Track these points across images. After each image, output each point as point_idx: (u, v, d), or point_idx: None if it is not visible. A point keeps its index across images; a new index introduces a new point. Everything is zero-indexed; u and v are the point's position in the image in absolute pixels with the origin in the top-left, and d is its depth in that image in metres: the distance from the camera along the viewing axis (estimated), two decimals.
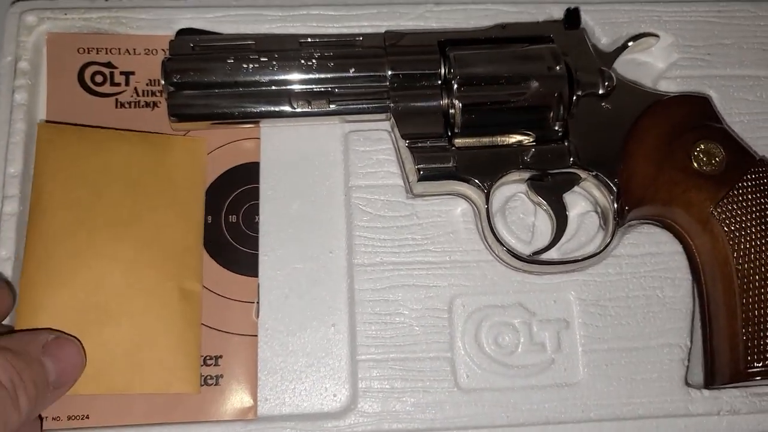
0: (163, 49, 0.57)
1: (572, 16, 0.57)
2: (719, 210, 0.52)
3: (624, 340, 0.53)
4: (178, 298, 0.52)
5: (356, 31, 0.58)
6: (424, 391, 0.51)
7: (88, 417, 0.50)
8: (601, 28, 0.60)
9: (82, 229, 0.52)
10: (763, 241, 0.51)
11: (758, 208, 0.52)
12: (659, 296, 0.54)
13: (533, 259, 0.53)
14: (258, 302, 0.53)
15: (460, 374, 0.52)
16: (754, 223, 0.51)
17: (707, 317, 0.53)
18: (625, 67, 0.58)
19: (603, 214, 0.55)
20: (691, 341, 0.54)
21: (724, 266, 0.52)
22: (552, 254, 0.54)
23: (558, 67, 0.53)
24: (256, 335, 0.52)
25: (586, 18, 0.59)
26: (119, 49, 0.57)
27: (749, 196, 0.52)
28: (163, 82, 0.52)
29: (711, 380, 0.52)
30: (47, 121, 0.55)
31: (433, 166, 0.52)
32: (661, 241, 0.55)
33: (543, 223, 0.55)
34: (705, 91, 0.59)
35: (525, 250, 0.54)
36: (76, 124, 0.55)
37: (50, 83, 0.56)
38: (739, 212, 0.52)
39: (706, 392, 0.52)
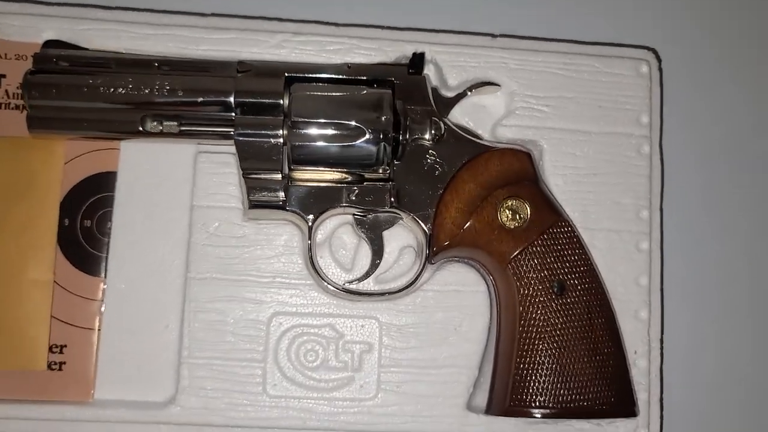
0: (31, 56, 0.61)
1: (416, 62, 0.61)
2: (515, 261, 0.58)
3: (418, 365, 0.61)
4: (30, 287, 0.60)
5: (215, 55, 0.63)
6: (237, 392, 0.60)
7: None
8: (450, 71, 0.64)
9: None
10: (545, 294, 0.58)
11: (546, 264, 0.58)
12: (457, 329, 0.62)
13: (346, 288, 0.60)
14: (102, 300, 0.61)
15: (269, 382, 0.60)
16: (539, 278, 0.58)
17: (496, 353, 0.60)
18: (468, 108, 0.63)
19: (419, 251, 0.62)
20: (480, 372, 0.62)
21: (512, 311, 0.59)
22: (369, 284, 0.61)
23: (386, 115, 0.58)
24: (98, 329, 0.60)
25: (437, 58, 0.64)
26: None
27: (541, 254, 0.58)
28: (23, 93, 0.57)
29: (488, 410, 0.60)
30: None
31: (264, 197, 0.58)
32: (467, 281, 0.62)
33: (364, 255, 0.62)
34: (538, 141, 0.64)
35: (345, 276, 0.61)
36: None
37: None
38: (530, 266, 0.58)
39: (482, 417, 0.61)
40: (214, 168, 0.62)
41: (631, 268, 0.63)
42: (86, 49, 0.61)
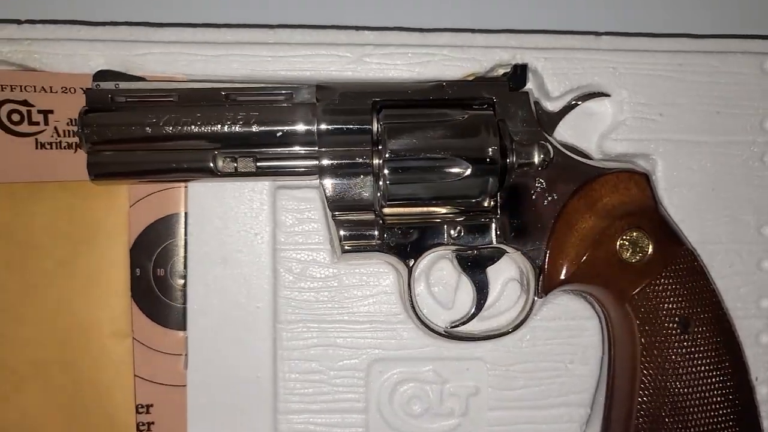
0: (81, 89, 0.55)
1: (518, 75, 0.55)
2: (636, 298, 0.54)
3: (528, 405, 0.58)
4: (109, 346, 0.56)
5: (287, 75, 0.56)
6: None
7: None
8: (551, 79, 0.57)
9: (11, 287, 0.54)
10: (668, 331, 0.54)
11: (670, 300, 0.54)
12: (568, 367, 0.58)
13: (451, 334, 0.56)
14: (186, 354, 0.57)
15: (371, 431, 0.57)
16: (662, 314, 0.54)
17: (610, 391, 0.57)
18: (571, 119, 0.57)
19: (525, 284, 0.57)
20: (592, 410, 0.58)
21: (631, 347, 0.55)
22: (472, 323, 0.57)
23: (493, 144, 0.52)
24: (185, 385, 0.57)
25: (537, 65, 0.57)
26: (35, 86, 0.55)
27: (663, 289, 0.54)
28: (81, 137, 0.51)
29: None
30: None
31: (359, 242, 0.53)
32: (577, 315, 0.58)
33: (466, 290, 0.58)
34: (651, 155, 0.58)
35: (446, 315, 0.57)
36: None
37: None
38: (652, 303, 0.54)
39: None
40: (295, 204, 0.57)
41: (752, 290, 0.59)
42: (142, 78, 0.54)
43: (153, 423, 0.57)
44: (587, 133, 0.58)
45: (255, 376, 0.57)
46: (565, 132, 0.57)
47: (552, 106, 0.57)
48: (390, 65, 0.56)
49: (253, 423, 0.57)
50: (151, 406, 0.57)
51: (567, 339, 0.58)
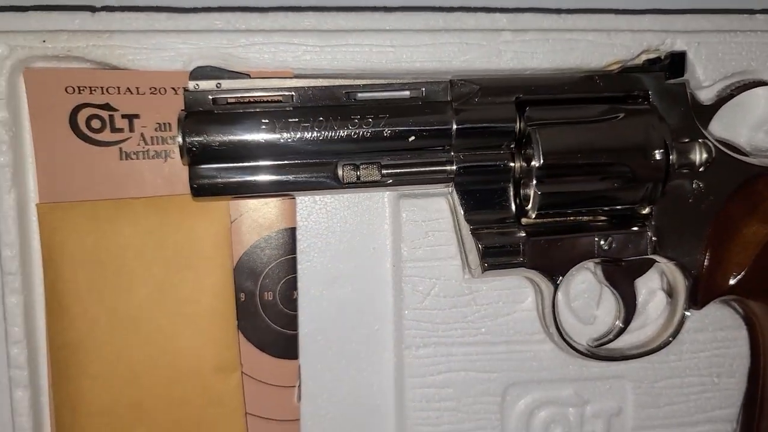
0: (173, 88, 0.47)
1: (675, 64, 0.49)
2: None
3: (673, 423, 0.54)
4: (215, 383, 0.50)
5: (409, 67, 0.49)
6: None
7: None
8: (703, 65, 0.52)
9: (107, 320, 0.48)
10: None
11: None
12: (715, 381, 0.54)
13: (593, 353, 0.51)
14: (299, 386, 0.51)
15: None
16: None
17: (760, 400, 0.54)
18: (722, 108, 0.52)
19: (673, 295, 0.53)
20: (738, 424, 0.55)
21: None
22: (616, 343, 0.52)
23: (658, 147, 0.47)
24: (299, 419, 0.51)
25: (687, 49, 0.51)
26: (118, 87, 0.47)
27: None
28: (180, 147, 0.44)
29: None
30: (40, 186, 0.47)
31: (501, 258, 0.48)
32: (725, 325, 0.54)
33: (607, 303, 0.53)
34: None
35: (585, 332, 0.53)
36: (83, 201, 0.47)
37: (36, 130, 0.47)
38: None
39: None
40: (421, 214, 0.51)
41: None
42: (246, 75, 0.47)
43: None
44: (738, 124, 0.53)
45: (376, 405, 0.52)
46: (713, 124, 0.52)
47: (704, 97, 0.51)
48: (528, 53, 0.50)
49: None
50: None
51: (714, 351, 0.54)
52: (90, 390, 0.48)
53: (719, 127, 0.53)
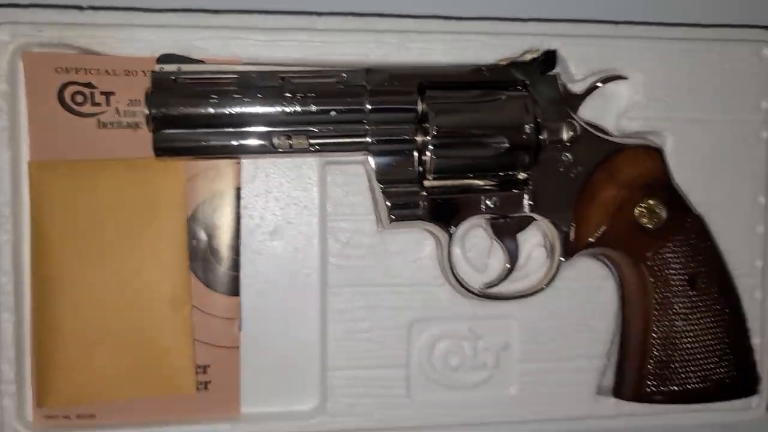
0: (142, 71, 0.59)
1: (548, 60, 0.61)
2: (651, 259, 0.62)
3: (551, 356, 0.66)
4: (170, 310, 0.61)
5: (336, 59, 0.61)
6: (382, 396, 0.64)
7: (94, 416, 0.61)
8: (573, 62, 0.64)
9: (82, 259, 0.59)
10: (677, 288, 0.62)
11: (680, 260, 0.62)
12: (588, 322, 0.66)
13: (484, 293, 0.63)
14: (240, 318, 0.63)
15: (413, 385, 0.64)
16: (673, 273, 0.62)
17: (624, 342, 0.65)
18: (593, 99, 0.64)
19: (550, 249, 0.65)
20: (608, 358, 0.67)
21: (644, 303, 0.63)
22: (503, 286, 0.64)
23: (529, 122, 0.59)
24: (239, 347, 0.63)
25: (561, 50, 0.64)
26: (98, 69, 0.59)
27: (675, 251, 0.62)
28: (146, 116, 0.56)
29: (618, 394, 0.65)
30: (32, 147, 0.59)
31: (405, 211, 0.60)
32: (595, 276, 0.66)
33: (497, 255, 0.65)
34: (662, 132, 0.66)
35: (479, 278, 0.65)
36: (67, 159, 0.59)
37: (31, 103, 0.59)
38: (665, 262, 0.62)
39: (612, 400, 0.66)
40: (343, 178, 0.63)
41: (747, 251, 0.68)
42: (202, 61, 0.59)
43: (210, 382, 0.62)
44: (606, 113, 0.66)
45: (304, 336, 0.63)
46: (586, 112, 0.64)
47: (576, 88, 0.64)
48: (430, 50, 0.63)
49: (302, 379, 0.63)
50: (208, 366, 0.62)
51: (587, 298, 0.66)
52: (64, 314, 0.59)
53: (592, 115, 0.64)
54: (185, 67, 0.58)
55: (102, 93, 0.60)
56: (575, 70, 0.65)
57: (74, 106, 0.60)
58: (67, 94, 0.59)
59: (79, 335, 0.60)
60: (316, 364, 0.63)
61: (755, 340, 0.68)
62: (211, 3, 0.61)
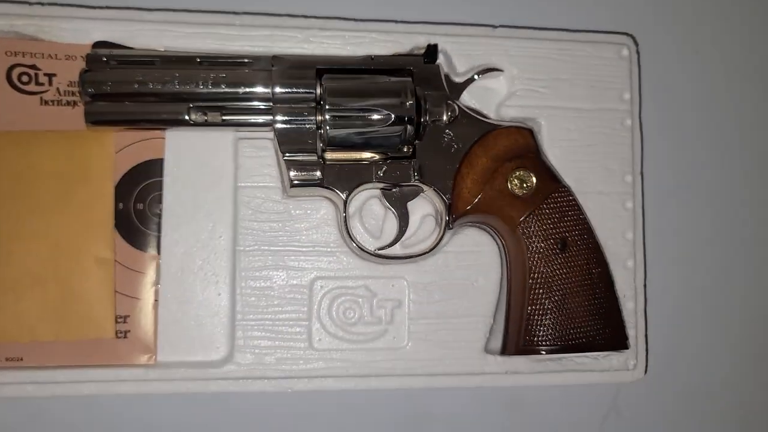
0: (81, 56, 0.70)
1: (431, 52, 0.72)
2: (524, 223, 0.70)
3: (442, 316, 0.73)
4: (95, 264, 0.69)
5: (250, 50, 0.72)
6: (286, 348, 0.71)
7: (21, 359, 0.68)
8: (458, 59, 0.75)
9: (19, 216, 0.68)
10: (550, 251, 0.70)
11: (550, 224, 0.70)
12: (474, 284, 0.74)
13: (377, 254, 0.71)
14: (158, 274, 0.70)
15: (314, 338, 0.71)
16: (544, 236, 0.70)
17: (508, 303, 0.73)
18: (475, 92, 0.75)
19: (438, 218, 0.73)
20: (494, 319, 0.74)
21: (522, 266, 0.71)
22: (396, 249, 0.72)
23: (409, 101, 0.68)
24: (156, 300, 0.70)
25: (447, 47, 0.75)
26: (43, 53, 0.70)
27: (545, 216, 0.70)
28: (80, 91, 0.66)
29: (503, 351, 0.73)
30: None
31: (304, 174, 0.69)
32: (481, 242, 0.74)
33: (391, 223, 0.73)
34: (537, 119, 0.76)
35: (374, 244, 0.73)
36: (10, 131, 0.69)
37: None
38: (537, 226, 0.70)
39: (498, 358, 0.73)
40: (253, 152, 0.72)
41: (619, 225, 0.76)
42: (133, 48, 0.70)
43: (129, 331, 0.70)
44: (487, 103, 0.76)
45: (217, 293, 0.71)
46: (470, 102, 0.74)
47: (458, 79, 0.74)
48: (330, 44, 0.74)
49: (213, 331, 0.70)
50: (128, 316, 0.70)
51: (473, 262, 0.74)
52: (3, 263, 0.67)
53: (476, 105, 0.75)
54: (116, 51, 0.68)
55: (45, 74, 0.70)
56: (458, 65, 0.75)
57: (20, 85, 0.70)
58: (14, 75, 0.70)
59: (9, 282, 0.67)
60: (225, 318, 0.71)
61: (629, 305, 0.76)
62: (144, 2, 0.72)
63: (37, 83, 0.70)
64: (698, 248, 0.82)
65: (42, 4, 0.70)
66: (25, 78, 0.70)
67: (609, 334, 0.70)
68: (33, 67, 0.70)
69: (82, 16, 0.70)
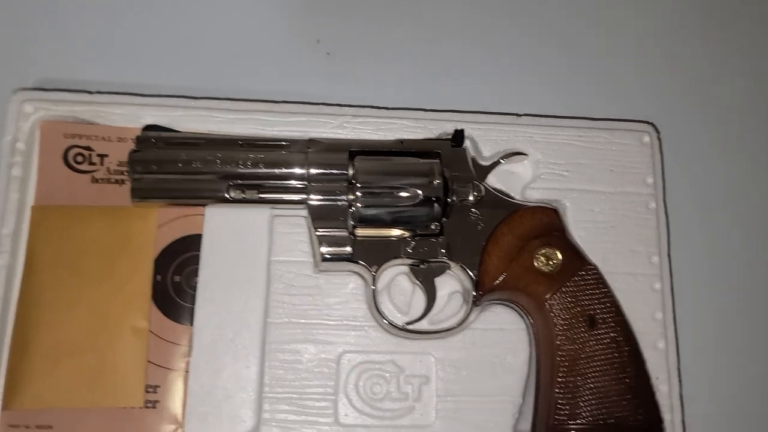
0: (131, 139, 0.76)
1: (457, 137, 0.76)
2: (551, 301, 0.71)
3: (469, 393, 0.73)
4: (131, 334, 0.72)
5: (288, 134, 0.78)
6: (312, 424, 0.71)
7: (51, 427, 0.69)
8: (484, 144, 0.80)
9: (62, 286, 0.71)
10: (578, 328, 0.71)
11: (577, 302, 0.71)
12: (502, 362, 0.74)
13: (405, 328, 0.73)
14: (191, 345, 0.73)
15: (340, 413, 0.72)
16: (572, 314, 0.71)
17: (537, 382, 0.73)
18: (500, 176, 0.78)
19: (465, 295, 0.75)
20: (524, 398, 0.74)
21: (550, 344, 0.71)
22: (423, 324, 0.74)
23: (437, 181, 0.72)
24: (187, 371, 0.72)
25: (473, 134, 0.79)
26: (97, 136, 0.76)
27: (572, 293, 0.72)
28: (128, 170, 0.72)
29: (533, 431, 0.72)
30: (37, 194, 0.75)
31: (335, 250, 0.72)
32: (509, 320, 0.75)
33: (418, 300, 0.75)
34: (562, 200, 0.79)
35: (402, 319, 0.74)
36: (62, 205, 0.74)
37: (41, 160, 0.75)
38: (565, 304, 0.71)
39: None
40: (287, 228, 0.76)
41: (648, 306, 0.77)
42: (179, 132, 0.76)
43: (158, 401, 0.71)
44: (513, 186, 0.79)
45: (245, 365, 0.72)
46: (496, 185, 0.77)
47: (485, 163, 0.78)
48: (363, 130, 0.79)
49: (241, 403, 0.71)
50: (158, 386, 0.71)
51: (501, 339, 0.75)
52: (39, 331, 0.70)
53: (503, 187, 0.78)
54: (164, 134, 0.74)
55: (98, 155, 0.76)
56: (485, 151, 0.79)
57: (75, 165, 0.76)
58: (70, 155, 0.76)
59: (48, 349, 0.70)
60: (253, 390, 0.72)
61: (663, 387, 0.75)
62: (191, 91, 0.79)
63: (90, 163, 0.76)
64: (734, 324, 0.81)
65: (101, 92, 0.77)
66: (79, 158, 0.76)
67: (642, 415, 0.69)
68: (88, 148, 0.76)
69: (135, 102, 0.77)
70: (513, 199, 0.76)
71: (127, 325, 0.72)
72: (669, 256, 0.79)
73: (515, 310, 0.76)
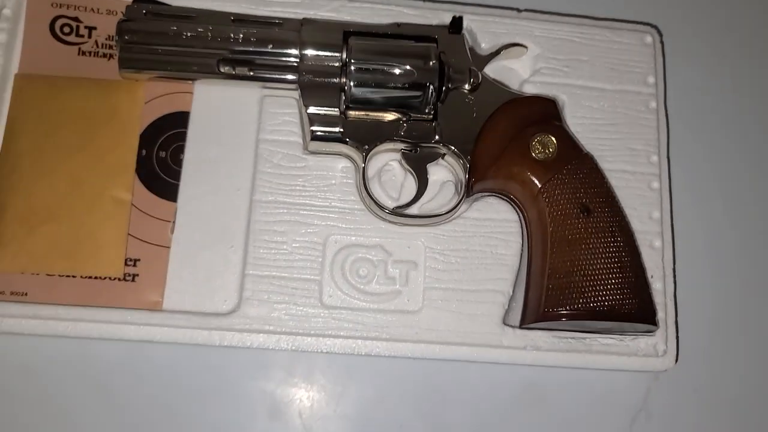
0: (121, 12, 0.74)
1: (456, 23, 0.75)
2: (545, 189, 0.70)
3: (458, 283, 0.71)
4: (111, 204, 0.70)
5: (282, 14, 0.76)
6: (295, 303, 0.69)
7: (26, 294, 0.67)
8: (483, 35, 0.78)
9: (39, 152, 0.70)
10: (572, 216, 0.69)
11: (572, 190, 0.69)
12: (493, 252, 0.72)
13: (394, 212, 0.71)
14: (174, 222, 0.71)
15: (324, 294, 0.70)
16: (567, 201, 0.69)
17: (528, 272, 0.71)
18: (499, 70, 0.76)
19: (458, 184, 0.73)
20: (514, 291, 0.72)
21: (543, 232, 0.69)
22: (413, 211, 0.72)
23: (432, 63, 0.71)
24: (169, 247, 0.70)
25: (472, 25, 0.78)
26: (85, 7, 0.75)
27: (567, 181, 0.70)
28: (116, 38, 0.70)
29: (523, 321, 0.70)
30: (21, 63, 0.73)
31: (325, 129, 0.70)
32: (501, 210, 0.74)
33: (410, 187, 0.73)
34: (560, 96, 0.77)
35: (393, 204, 0.73)
36: (46, 75, 0.73)
37: (27, 29, 0.74)
38: (558, 192, 0.69)
39: (518, 331, 0.70)
40: (277, 108, 0.74)
41: (645, 204, 0.75)
42: (170, 6, 0.74)
43: (138, 275, 0.69)
44: (511, 81, 0.77)
45: (229, 244, 0.71)
46: (497, 76, 0.76)
47: (483, 53, 0.76)
48: (358, 14, 0.77)
49: (223, 282, 0.70)
50: (138, 260, 0.70)
51: (493, 230, 0.73)
52: (15, 195, 0.68)
53: (502, 79, 0.77)
54: (155, 6, 0.73)
55: (86, 27, 0.74)
56: (483, 42, 0.78)
57: (62, 36, 0.74)
58: (57, 25, 0.74)
59: (25, 214, 0.68)
60: (236, 269, 0.70)
61: (657, 285, 0.73)
62: None
63: (78, 35, 0.74)
64: (729, 226, 0.79)
65: None
66: (66, 29, 0.74)
67: (635, 305, 0.67)
68: (75, 19, 0.74)
69: None
70: (510, 89, 0.75)
71: (108, 195, 0.70)
72: (668, 157, 0.77)
73: (508, 201, 0.74)
